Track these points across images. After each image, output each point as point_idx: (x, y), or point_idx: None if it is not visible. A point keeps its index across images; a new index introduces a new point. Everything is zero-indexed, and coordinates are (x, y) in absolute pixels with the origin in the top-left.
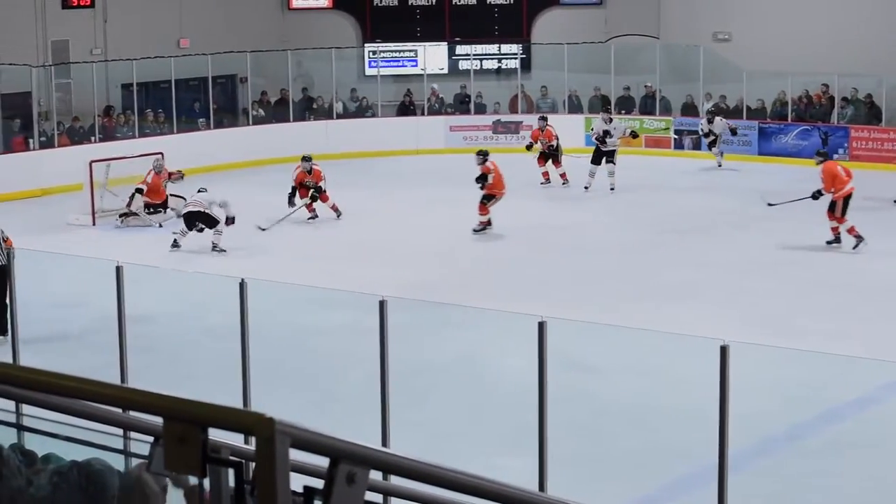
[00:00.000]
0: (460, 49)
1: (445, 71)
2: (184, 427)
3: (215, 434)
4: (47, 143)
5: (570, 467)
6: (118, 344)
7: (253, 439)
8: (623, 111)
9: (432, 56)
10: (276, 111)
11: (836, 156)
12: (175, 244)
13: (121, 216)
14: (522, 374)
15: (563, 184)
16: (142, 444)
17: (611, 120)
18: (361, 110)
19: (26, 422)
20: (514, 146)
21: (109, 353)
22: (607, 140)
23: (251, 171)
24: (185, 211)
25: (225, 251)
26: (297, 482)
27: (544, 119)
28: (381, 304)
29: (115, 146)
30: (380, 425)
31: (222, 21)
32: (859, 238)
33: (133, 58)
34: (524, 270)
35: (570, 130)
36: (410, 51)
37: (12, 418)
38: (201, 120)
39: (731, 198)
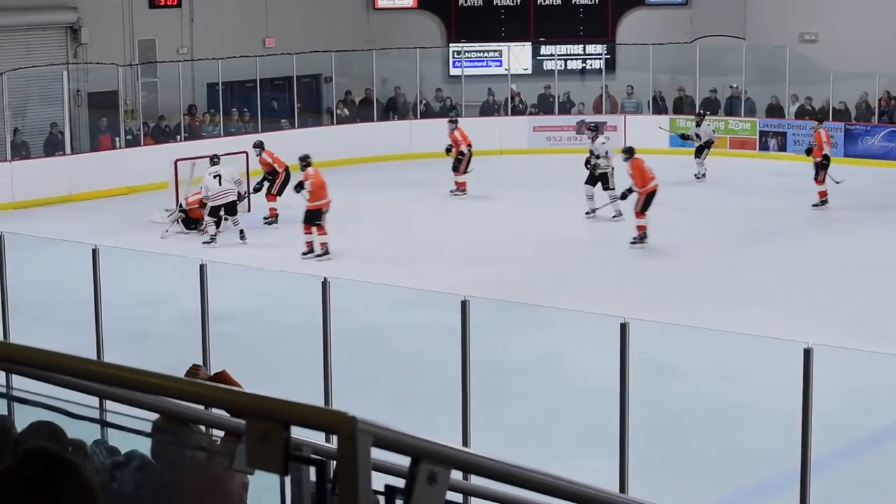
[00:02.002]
0: (545, 49)
1: (529, 71)
2: (266, 425)
3: (296, 432)
4: (133, 142)
5: (651, 469)
6: (201, 341)
7: (334, 438)
8: (708, 112)
9: (516, 56)
10: (361, 111)
11: None
12: (212, 239)
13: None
14: (603, 374)
15: (454, 191)
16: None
17: (595, 138)
18: (445, 110)
19: (110, 418)
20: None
21: (193, 350)
22: (598, 162)
23: (335, 171)
24: (223, 201)
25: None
26: (378, 481)
27: (454, 122)
28: (463, 304)
29: (199, 145)
30: (460, 425)
31: (307, 21)
32: (641, 238)
33: (218, 57)
34: (604, 271)
35: (655, 131)
36: (495, 51)
37: (96, 414)
38: (284, 120)
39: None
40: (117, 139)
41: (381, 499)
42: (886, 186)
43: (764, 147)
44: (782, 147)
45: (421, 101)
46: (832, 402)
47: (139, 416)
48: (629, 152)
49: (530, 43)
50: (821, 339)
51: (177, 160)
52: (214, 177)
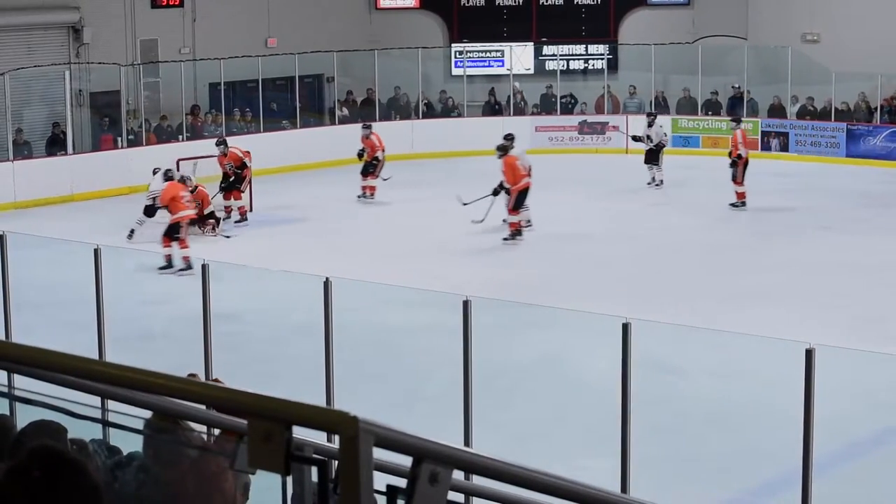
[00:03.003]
0: (547, 49)
1: (532, 71)
2: (268, 425)
3: (298, 432)
4: (135, 142)
5: (653, 469)
6: (203, 341)
7: (336, 438)
8: (710, 112)
9: (519, 56)
10: (363, 111)
11: None
12: (131, 234)
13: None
14: (606, 375)
15: (361, 196)
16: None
17: (651, 123)
18: (447, 110)
19: (112, 418)
20: (599, 147)
21: (195, 350)
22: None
23: (337, 171)
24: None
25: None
26: (380, 481)
27: (368, 127)
28: (465, 304)
29: (202, 145)
30: (462, 425)
31: (310, 21)
32: (514, 235)
33: (221, 57)
34: (607, 271)
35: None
36: (497, 51)
37: (98, 414)
38: (285, 121)
39: (817, 199)
40: (119, 139)
41: (383, 499)
42: (888, 186)
43: (766, 147)
44: (784, 147)
45: (423, 102)
46: (834, 403)
47: (141, 416)
48: (503, 150)
49: (532, 43)
50: (823, 340)
51: (179, 160)
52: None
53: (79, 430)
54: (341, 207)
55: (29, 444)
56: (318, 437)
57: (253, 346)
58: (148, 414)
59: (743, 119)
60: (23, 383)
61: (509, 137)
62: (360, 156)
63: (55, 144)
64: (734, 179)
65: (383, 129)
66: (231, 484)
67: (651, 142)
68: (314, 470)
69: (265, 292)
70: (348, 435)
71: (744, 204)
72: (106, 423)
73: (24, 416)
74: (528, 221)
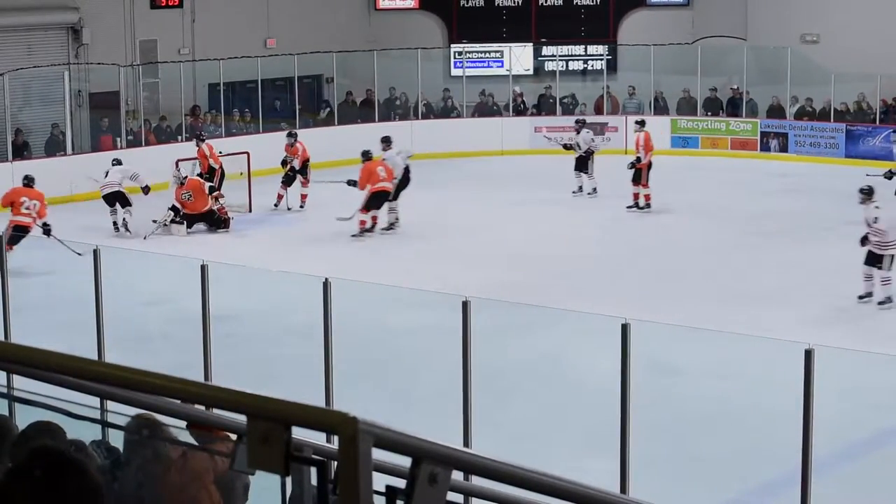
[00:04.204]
0: (546, 50)
1: (531, 72)
2: (267, 425)
3: (297, 433)
4: (135, 142)
5: (653, 470)
6: (202, 342)
7: (335, 438)
8: (709, 113)
9: (518, 57)
10: (362, 111)
11: None
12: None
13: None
14: (605, 375)
15: (300, 207)
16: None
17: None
18: (447, 111)
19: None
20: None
21: (194, 351)
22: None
23: (336, 171)
24: (103, 193)
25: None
26: (379, 481)
27: (293, 136)
28: (465, 305)
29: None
30: (461, 425)
31: (309, 21)
32: (363, 231)
33: (220, 57)
34: (607, 272)
35: (655, 132)
36: (496, 51)
37: (97, 415)
38: (283, 122)
39: (817, 200)
40: (118, 140)
41: (382, 499)
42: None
43: (765, 148)
44: (783, 148)
45: (422, 102)
46: (833, 403)
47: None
48: (365, 156)
49: (532, 44)
50: (822, 340)
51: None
52: (114, 163)
53: (78, 431)
54: (341, 208)
55: (30, 444)
56: (317, 438)
57: (252, 346)
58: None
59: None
60: (22, 384)
61: (385, 140)
62: (283, 164)
63: (54, 145)
64: (636, 182)
65: (382, 130)
66: (210, 482)
67: (580, 149)
68: (313, 471)
69: (264, 293)
70: (347, 435)
71: (649, 206)
72: (105, 424)
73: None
74: (392, 224)
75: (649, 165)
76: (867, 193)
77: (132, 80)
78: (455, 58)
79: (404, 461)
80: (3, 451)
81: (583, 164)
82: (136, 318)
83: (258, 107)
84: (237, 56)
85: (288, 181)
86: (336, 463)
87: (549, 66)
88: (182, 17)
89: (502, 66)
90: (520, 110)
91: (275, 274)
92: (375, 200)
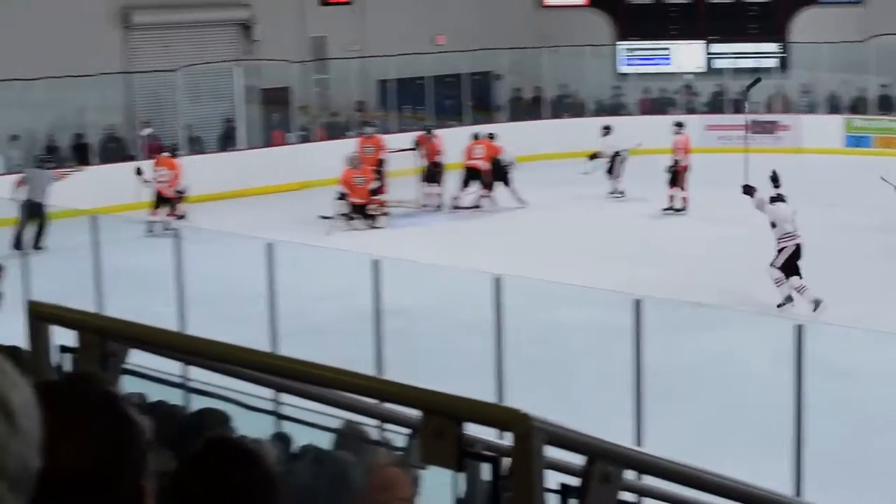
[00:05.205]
0: (715, 48)
1: (700, 70)
2: (441, 421)
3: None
4: (305, 138)
5: (827, 474)
6: (374, 336)
7: (507, 435)
8: (883, 111)
9: (686, 54)
10: (531, 108)
11: None
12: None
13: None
14: (777, 377)
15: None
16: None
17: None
18: (616, 108)
19: (285, 410)
20: (769, 146)
21: (365, 345)
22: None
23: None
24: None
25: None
26: (550, 479)
27: (429, 131)
28: (636, 304)
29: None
30: (631, 424)
31: (478, 18)
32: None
33: (389, 54)
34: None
35: (829, 131)
36: (664, 49)
37: (271, 406)
38: (452, 120)
39: None
40: (289, 135)
41: (550, 497)
42: None
43: None
44: None
45: (591, 100)
46: None
47: (313, 409)
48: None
49: (700, 41)
50: None
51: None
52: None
53: (252, 422)
54: (507, 204)
55: (204, 433)
56: (488, 434)
57: (423, 341)
58: (321, 407)
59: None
60: (197, 375)
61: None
62: (412, 146)
63: (227, 140)
64: (673, 184)
65: (552, 127)
66: (409, 492)
67: (606, 154)
68: (486, 467)
69: (434, 288)
70: (520, 432)
71: (684, 209)
72: (279, 416)
73: (199, 407)
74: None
75: (686, 168)
76: None
77: (303, 77)
78: (623, 55)
79: (575, 458)
80: (174, 440)
81: (610, 167)
82: (308, 311)
83: (427, 103)
84: (406, 53)
85: (430, 178)
86: (508, 459)
87: (719, 63)
88: (352, 13)
89: (669, 63)
90: (689, 108)
91: (445, 269)
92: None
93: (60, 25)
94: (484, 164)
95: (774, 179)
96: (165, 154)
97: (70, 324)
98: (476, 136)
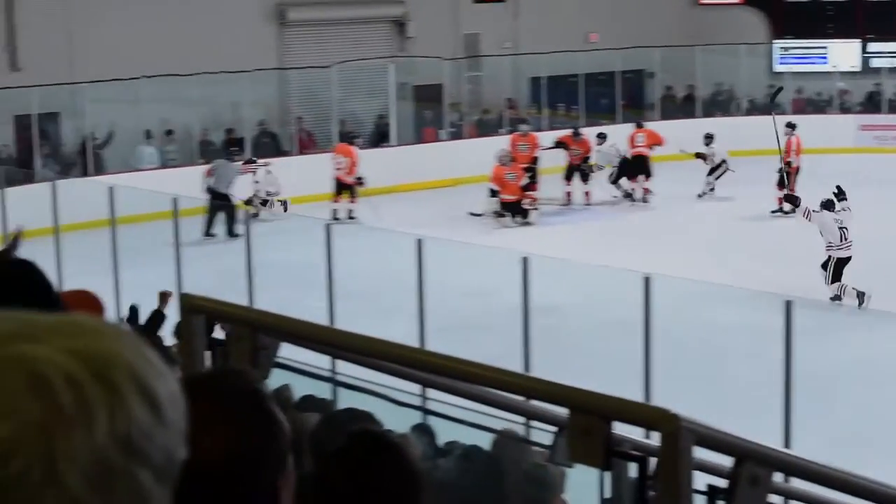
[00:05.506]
0: (872, 47)
1: (857, 69)
2: (589, 419)
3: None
4: (456, 135)
5: None
6: (522, 333)
7: (654, 434)
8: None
9: (843, 53)
10: (684, 106)
11: None
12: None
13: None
14: None
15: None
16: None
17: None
18: (769, 107)
19: (431, 406)
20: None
21: (514, 342)
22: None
23: (666, 167)
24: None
25: None
26: (696, 480)
27: (578, 134)
28: (787, 305)
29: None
30: (780, 427)
31: (631, 16)
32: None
33: (542, 52)
34: None
35: None
36: (820, 48)
37: (418, 402)
38: (604, 119)
39: None
40: (440, 132)
41: (697, 498)
42: None
43: None
44: None
45: (746, 98)
46: None
47: (460, 406)
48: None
49: (858, 40)
50: None
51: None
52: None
53: (399, 418)
54: (668, 201)
55: (352, 427)
56: (635, 434)
57: (571, 339)
58: (468, 403)
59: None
60: (344, 369)
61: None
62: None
63: (380, 137)
64: (782, 185)
65: (705, 126)
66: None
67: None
68: (632, 466)
69: (585, 286)
70: (669, 432)
71: (793, 211)
72: (426, 411)
73: (345, 402)
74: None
75: (798, 170)
76: None
77: (455, 74)
78: (778, 53)
79: (721, 460)
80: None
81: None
82: (457, 307)
83: (579, 101)
84: (559, 50)
85: (582, 177)
86: (656, 460)
87: (876, 62)
88: (505, 11)
89: (826, 62)
90: (845, 108)
91: (594, 268)
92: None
93: (216, 22)
94: (648, 151)
95: (839, 193)
96: (343, 143)
97: (222, 316)
98: (639, 125)
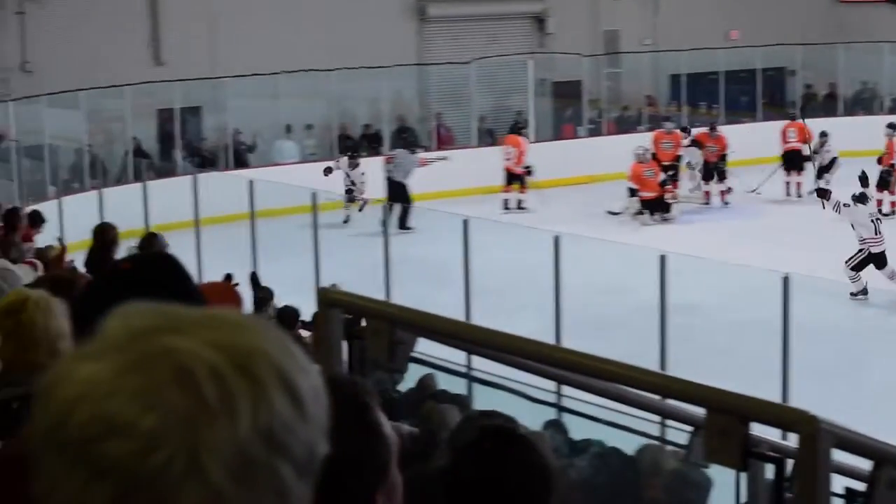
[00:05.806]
0: None
1: None
2: (726, 419)
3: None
4: (595, 131)
5: None
6: (659, 332)
7: (791, 436)
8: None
9: None
10: (824, 105)
11: None
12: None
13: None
14: None
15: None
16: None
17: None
18: None
19: (566, 404)
20: None
21: (650, 340)
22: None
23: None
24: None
25: None
26: (834, 482)
27: (712, 128)
28: None
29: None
30: None
31: (772, 13)
32: None
33: (682, 49)
34: None
35: None
36: None
37: (554, 399)
38: (744, 118)
39: None
40: (579, 128)
41: (836, 500)
42: None
43: None
44: None
45: (890, 98)
46: None
47: (596, 403)
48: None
49: None
50: None
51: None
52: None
53: (534, 414)
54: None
55: (482, 421)
56: (771, 435)
57: (708, 339)
58: (603, 401)
59: None
60: (481, 365)
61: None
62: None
63: (519, 133)
64: (882, 187)
65: (848, 125)
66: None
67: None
68: (769, 467)
69: (722, 285)
70: (807, 434)
71: (894, 213)
72: (561, 408)
73: (480, 398)
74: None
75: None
76: None
77: (594, 70)
78: None
79: (859, 463)
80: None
81: (820, 172)
82: (593, 305)
83: (719, 99)
84: (699, 47)
85: (709, 176)
86: (793, 462)
87: None
88: (645, 7)
89: None
90: None
91: (735, 267)
92: None
93: (357, 18)
94: (800, 147)
95: (863, 179)
96: (511, 133)
97: (359, 311)
98: (793, 118)
